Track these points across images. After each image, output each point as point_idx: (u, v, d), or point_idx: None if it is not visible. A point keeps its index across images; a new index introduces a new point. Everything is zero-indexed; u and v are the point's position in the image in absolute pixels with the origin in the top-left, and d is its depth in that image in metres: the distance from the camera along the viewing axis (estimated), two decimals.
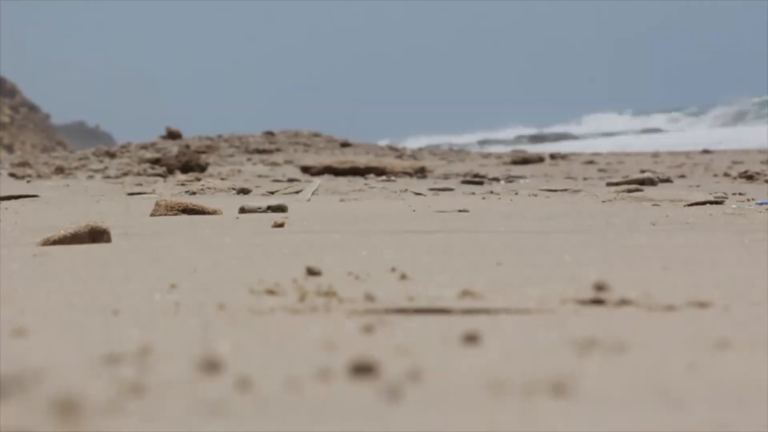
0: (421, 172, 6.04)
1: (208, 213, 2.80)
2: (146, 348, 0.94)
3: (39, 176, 6.47)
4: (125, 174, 6.36)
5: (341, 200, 3.49)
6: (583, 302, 1.21)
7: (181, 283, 1.36)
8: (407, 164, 6.19)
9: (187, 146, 9.96)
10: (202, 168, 6.25)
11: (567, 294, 1.26)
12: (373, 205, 3.15)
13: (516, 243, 1.88)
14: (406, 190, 4.50)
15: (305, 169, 6.24)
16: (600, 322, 1.08)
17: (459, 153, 11.61)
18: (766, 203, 3.12)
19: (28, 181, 5.68)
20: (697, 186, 4.73)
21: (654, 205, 3.12)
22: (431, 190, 4.51)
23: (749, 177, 5.35)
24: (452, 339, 0.98)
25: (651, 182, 4.65)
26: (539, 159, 8.60)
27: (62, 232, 1.97)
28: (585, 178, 5.87)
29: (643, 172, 6.01)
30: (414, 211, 2.82)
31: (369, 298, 1.24)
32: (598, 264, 1.56)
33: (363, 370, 0.83)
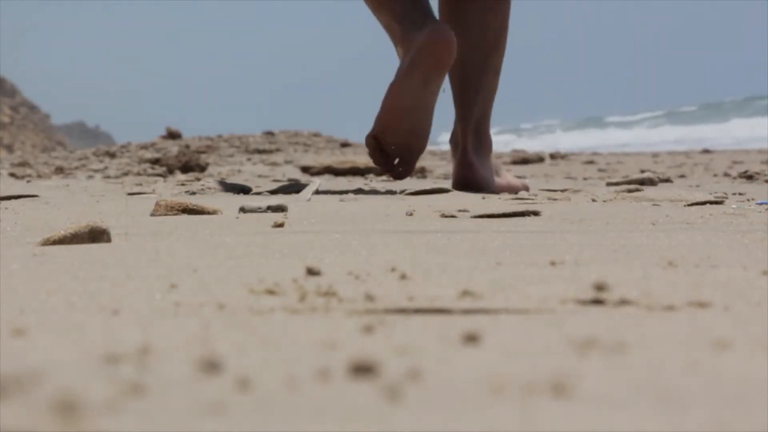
0: (421, 172, 6.03)
1: (208, 213, 2.80)
2: (146, 348, 0.94)
3: (39, 176, 6.47)
4: (125, 174, 6.36)
5: (341, 200, 3.49)
6: (583, 302, 1.21)
7: (181, 283, 1.36)
8: None
9: (187, 146, 9.96)
10: (202, 168, 6.25)
11: (567, 294, 1.26)
12: (373, 205, 3.15)
13: (516, 243, 1.88)
14: (406, 190, 4.49)
15: (305, 169, 6.23)
16: (600, 322, 1.08)
17: None
18: (766, 203, 3.12)
19: (28, 181, 5.68)
20: (697, 186, 4.73)
21: (654, 205, 3.12)
22: (431, 189, 4.50)
23: (749, 177, 5.35)
24: (452, 339, 0.98)
25: (651, 182, 4.65)
26: (539, 159, 8.60)
27: (62, 232, 1.97)
28: (585, 178, 5.87)
29: (643, 172, 6.01)
30: (414, 211, 2.82)
31: (369, 298, 1.24)
32: (598, 264, 1.56)
33: (363, 370, 0.83)
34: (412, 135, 3.33)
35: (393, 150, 3.41)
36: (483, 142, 3.57)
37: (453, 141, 3.61)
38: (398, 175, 3.54)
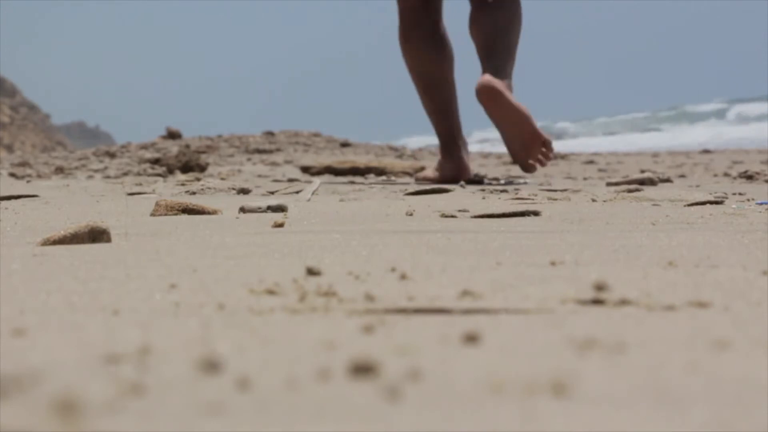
0: (421, 171, 6.03)
1: (208, 213, 2.80)
2: (146, 348, 0.94)
3: (39, 176, 6.46)
4: (125, 174, 6.35)
5: (341, 200, 3.49)
6: (583, 302, 1.21)
7: (181, 283, 1.37)
8: (407, 164, 6.19)
9: (187, 146, 9.95)
10: (202, 168, 6.24)
11: (567, 294, 1.26)
12: (373, 205, 3.15)
13: (516, 243, 1.88)
14: (406, 190, 4.49)
15: (305, 169, 6.23)
16: (600, 322, 1.08)
17: None
18: (766, 203, 3.12)
19: (28, 181, 5.68)
20: (697, 186, 4.73)
21: (654, 205, 3.12)
22: (431, 189, 4.50)
23: (749, 177, 5.35)
24: (452, 339, 0.98)
25: (651, 182, 4.65)
26: None
27: (62, 232, 1.97)
28: (585, 178, 5.86)
29: (643, 172, 6.00)
30: (414, 211, 2.82)
31: (369, 298, 1.24)
32: (598, 264, 1.56)
33: (363, 370, 0.83)
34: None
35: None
36: (504, 77, 4.86)
37: None
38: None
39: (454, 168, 5.21)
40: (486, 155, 10.83)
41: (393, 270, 1.47)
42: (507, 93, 4.78)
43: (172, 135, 11.09)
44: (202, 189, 4.30)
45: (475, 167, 7.17)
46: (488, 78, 4.79)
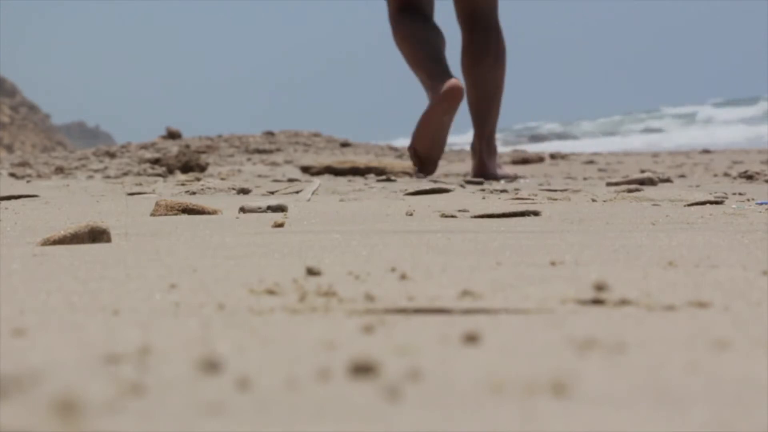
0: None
1: (208, 213, 2.80)
2: (146, 348, 0.94)
3: (39, 176, 6.46)
4: (125, 174, 6.35)
5: (341, 200, 3.49)
6: (583, 302, 1.21)
7: (181, 283, 1.37)
8: (407, 164, 6.19)
9: (187, 146, 9.95)
10: (202, 168, 6.24)
11: (567, 294, 1.26)
12: (373, 205, 3.15)
13: (516, 243, 1.88)
14: (406, 189, 4.49)
15: (305, 169, 6.23)
16: (600, 322, 1.08)
17: (459, 153, 11.59)
18: (766, 203, 3.12)
19: (28, 181, 5.68)
20: (697, 186, 4.73)
21: (654, 205, 3.12)
22: (431, 189, 4.50)
23: (749, 177, 5.34)
24: (452, 339, 0.98)
25: (651, 182, 4.65)
26: (539, 159, 8.60)
27: (62, 232, 1.97)
28: (585, 178, 5.86)
29: (643, 172, 6.00)
30: (414, 211, 2.82)
31: (369, 298, 1.24)
32: (598, 264, 1.56)
33: (363, 370, 0.83)
34: (435, 146, 5.39)
35: (423, 155, 5.44)
36: (491, 148, 5.71)
37: (472, 147, 5.72)
38: (426, 173, 5.51)
39: (446, 87, 5.21)
40: None
41: (393, 270, 1.47)
42: (495, 172, 5.57)
43: (172, 135, 11.09)
44: (202, 189, 4.30)
45: None
46: (485, 168, 5.55)
